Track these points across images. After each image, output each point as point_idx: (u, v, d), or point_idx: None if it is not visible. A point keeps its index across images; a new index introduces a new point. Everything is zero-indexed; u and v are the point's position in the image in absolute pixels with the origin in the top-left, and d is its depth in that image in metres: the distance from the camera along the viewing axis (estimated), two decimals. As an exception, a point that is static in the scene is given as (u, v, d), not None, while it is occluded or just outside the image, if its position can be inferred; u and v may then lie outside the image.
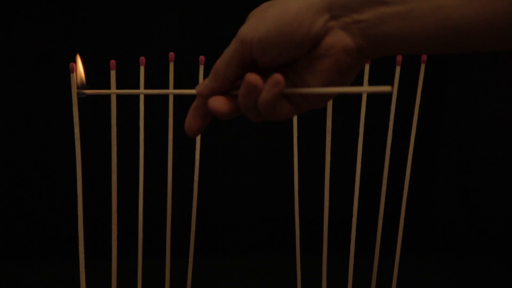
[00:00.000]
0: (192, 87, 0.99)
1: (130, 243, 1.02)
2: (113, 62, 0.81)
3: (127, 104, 1.10)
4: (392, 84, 0.91)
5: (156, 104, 1.16)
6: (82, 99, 0.73)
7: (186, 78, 1.17)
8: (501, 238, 1.39)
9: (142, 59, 0.86)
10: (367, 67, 0.89)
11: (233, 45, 0.52)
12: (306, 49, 0.51)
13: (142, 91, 0.63)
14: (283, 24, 0.50)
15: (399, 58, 0.90)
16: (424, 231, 1.42)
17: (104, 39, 1.29)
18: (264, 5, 0.52)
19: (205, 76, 0.89)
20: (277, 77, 0.50)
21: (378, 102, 0.99)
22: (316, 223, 1.11)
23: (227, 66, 0.53)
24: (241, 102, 0.52)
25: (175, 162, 0.91)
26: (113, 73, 0.82)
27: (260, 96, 0.51)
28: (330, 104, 0.90)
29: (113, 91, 0.69)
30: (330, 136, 0.90)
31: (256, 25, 0.51)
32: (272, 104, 0.51)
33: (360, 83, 0.91)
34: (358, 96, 0.92)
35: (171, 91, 0.61)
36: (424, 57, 0.90)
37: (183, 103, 1.18)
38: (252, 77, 0.50)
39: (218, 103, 0.53)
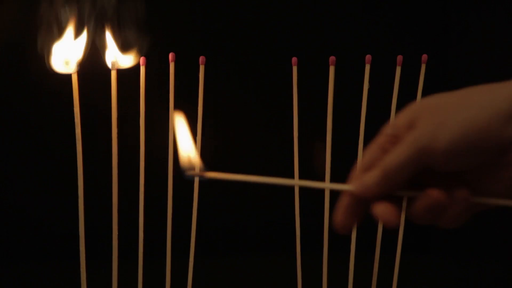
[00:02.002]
0: (192, 88, 1.00)
1: (130, 244, 1.02)
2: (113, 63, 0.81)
3: (128, 105, 1.10)
4: (392, 84, 0.91)
5: (156, 105, 1.15)
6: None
7: (187, 79, 1.17)
8: (502, 239, 1.39)
9: (143, 59, 0.86)
10: (367, 68, 0.89)
11: (407, 152, 0.47)
12: (493, 157, 0.47)
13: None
14: (471, 135, 0.46)
15: (400, 58, 0.90)
16: (425, 231, 1.42)
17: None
18: (435, 104, 0.48)
19: (205, 77, 0.89)
20: (464, 193, 0.46)
21: (378, 102, 0.99)
22: (317, 223, 1.11)
23: (399, 174, 0.48)
24: (421, 216, 0.48)
25: (175, 162, 0.90)
26: (113, 73, 0.82)
27: (446, 212, 0.47)
28: (330, 104, 0.90)
29: (234, 176, 0.55)
30: (330, 136, 0.90)
31: (436, 133, 0.46)
32: (460, 218, 0.48)
33: (359, 83, 0.91)
34: (359, 96, 0.92)
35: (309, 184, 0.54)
36: (424, 57, 0.90)
37: (183, 104, 1.18)
38: (436, 194, 0.46)
39: (388, 215, 0.48)
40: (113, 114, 0.83)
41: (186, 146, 0.56)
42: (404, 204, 0.49)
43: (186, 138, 0.56)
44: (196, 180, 0.75)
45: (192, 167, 0.54)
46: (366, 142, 0.97)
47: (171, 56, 0.86)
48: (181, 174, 0.54)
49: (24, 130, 1.31)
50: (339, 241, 1.19)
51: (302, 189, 0.98)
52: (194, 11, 1.32)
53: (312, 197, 1.26)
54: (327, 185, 0.56)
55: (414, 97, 0.92)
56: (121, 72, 0.85)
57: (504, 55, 1.33)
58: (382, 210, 0.48)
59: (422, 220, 0.49)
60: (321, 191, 0.94)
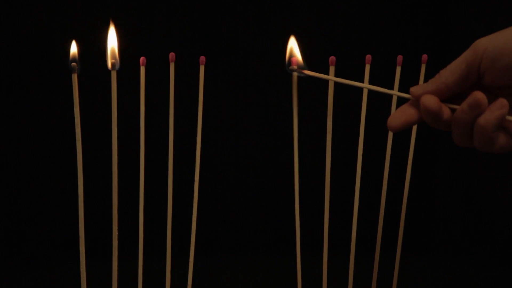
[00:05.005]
0: (193, 88, 1.00)
1: (130, 243, 1.03)
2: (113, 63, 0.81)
3: (128, 104, 1.11)
4: (392, 84, 0.91)
5: (156, 104, 1.16)
6: None
7: (187, 79, 1.17)
8: (503, 239, 1.39)
9: (143, 59, 0.86)
10: (367, 68, 0.89)
11: (463, 54, 0.53)
12: None
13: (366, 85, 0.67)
14: None
15: (400, 58, 0.90)
16: (425, 231, 1.42)
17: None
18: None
19: (206, 77, 0.89)
20: (503, 100, 0.50)
21: (378, 102, 0.99)
22: (317, 223, 1.11)
23: (450, 72, 0.54)
24: (458, 117, 0.51)
25: (175, 162, 0.91)
26: (113, 73, 0.82)
27: (482, 117, 0.50)
28: (330, 104, 0.90)
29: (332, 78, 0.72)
30: (330, 136, 0.90)
31: (495, 36, 0.51)
32: (492, 127, 0.50)
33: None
34: (359, 95, 0.92)
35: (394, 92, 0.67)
36: (424, 57, 0.90)
37: (184, 103, 1.19)
38: (480, 95, 0.50)
39: (430, 100, 0.53)
40: (113, 114, 0.83)
41: (296, 51, 0.72)
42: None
43: (296, 49, 0.72)
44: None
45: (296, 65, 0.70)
46: (366, 142, 0.97)
47: (171, 56, 0.86)
48: (286, 69, 0.70)
49: (24, 130, 1.31)
50: (339, 241, 1.19)
51: (303, 189, 0.98)
52: (194, 11, 1.32)
53: (312, 197, 1.26)
54: (394, 92, 0.65)
55: (414, 97, 0.92)
56: (121, 72, 0.85)
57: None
58: (427, 97, 0.53)
59: (459, 126, 0.52)
60: (322, 190, 0.94)
